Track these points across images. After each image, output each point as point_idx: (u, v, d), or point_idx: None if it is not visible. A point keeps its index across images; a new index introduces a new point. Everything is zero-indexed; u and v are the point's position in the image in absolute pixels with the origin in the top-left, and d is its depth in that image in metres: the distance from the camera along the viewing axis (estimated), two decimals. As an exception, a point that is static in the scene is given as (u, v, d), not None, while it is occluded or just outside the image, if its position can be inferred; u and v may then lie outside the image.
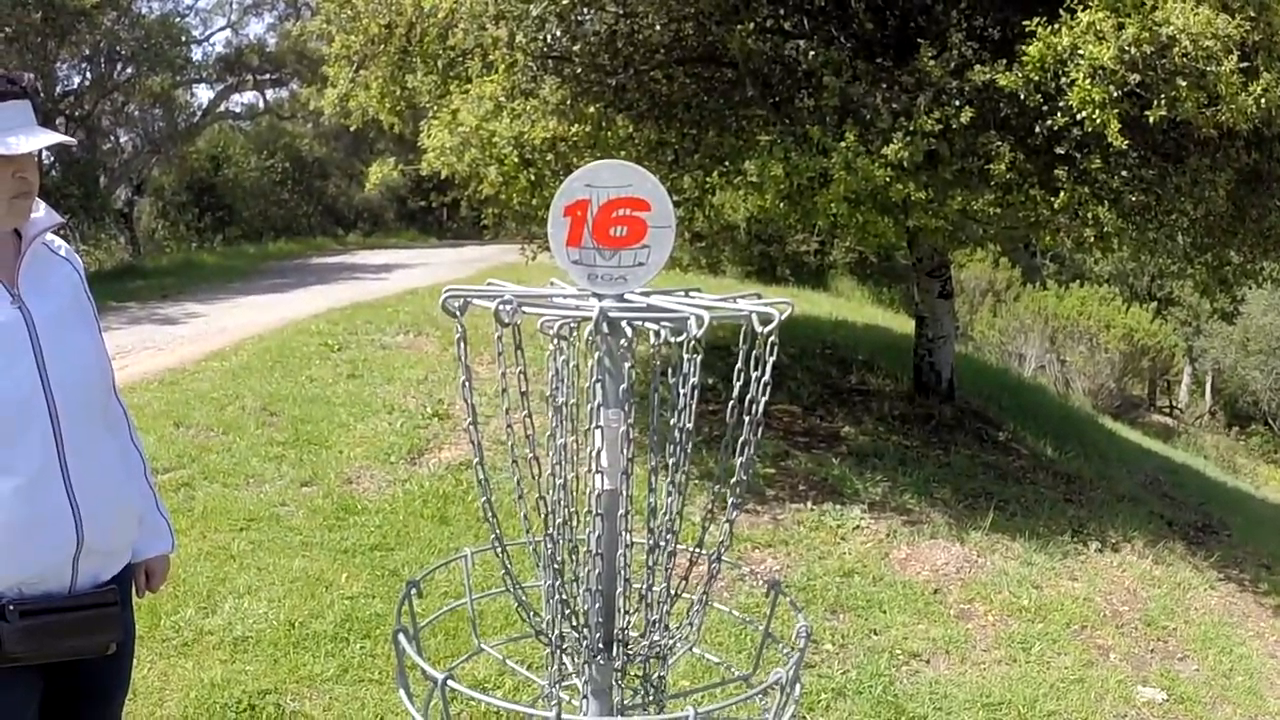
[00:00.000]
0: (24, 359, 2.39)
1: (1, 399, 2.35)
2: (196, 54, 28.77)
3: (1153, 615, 6.92)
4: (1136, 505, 9.55)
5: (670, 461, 2.23)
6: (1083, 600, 6.89)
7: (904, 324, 16.36)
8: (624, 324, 2.14)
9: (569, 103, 7.70)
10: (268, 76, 31.53)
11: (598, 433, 2.17)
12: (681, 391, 2.19)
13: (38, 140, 2.37)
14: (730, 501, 2.24)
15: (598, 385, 2.13)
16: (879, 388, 11.65)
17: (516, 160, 7.94)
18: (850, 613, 6.20)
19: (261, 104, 34.13)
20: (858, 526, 7.43)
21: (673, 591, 2.37)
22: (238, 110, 34.75)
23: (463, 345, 2.13)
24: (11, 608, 2.37)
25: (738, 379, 2.18)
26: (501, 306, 2.05)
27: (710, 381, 8.26)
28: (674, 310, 2.17)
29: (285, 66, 30.39)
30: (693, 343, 2.08)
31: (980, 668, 5.80)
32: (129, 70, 25.55)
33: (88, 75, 25.93)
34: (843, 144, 6.96)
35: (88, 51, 24.75)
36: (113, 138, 29.25)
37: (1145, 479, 11.42)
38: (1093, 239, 7.47)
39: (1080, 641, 6.34)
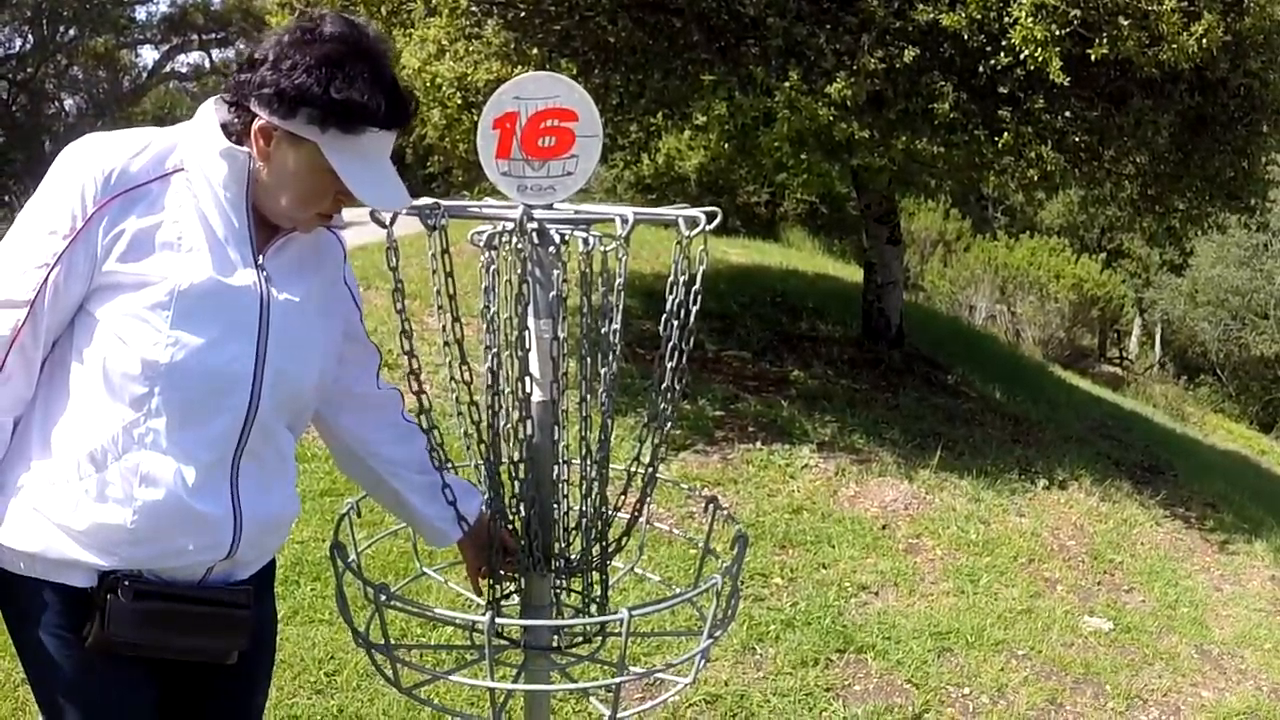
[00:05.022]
0: (246, 336, 2.05)
1: (213, 370, 2.00)
2: (140, 14, 28.61)
3: (1099, 549, 7.03)
4: (1084, 446, 9.68)
5: (602, 371, 2.23)
6: (1030, 535, 6.99)
7: (854, 274, 16.40)
8: (552, 231, 2.15)
9: (513, 45, 7.66)
10: (213, 36, 31.20)
11: (529, 341, 2.17)
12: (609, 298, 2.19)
13: (402, 199, 2.09)
14: (662, 408, 2.25)
15: (524, 289, 2.13)
16: (828, 334, 11.71)
17: (459, 103, 7.87)
18: (799, 548, 6.26)
19: (208, 64, 33.70)
20: (806, 465, 7.48)
21: (610, 504, 2.38)
22: (184, 71, 34.36)
23: (393, 254, 2.15)
24: (126, 583, 1.99)
25: (670, 292, 2.19)
26: (428, 210, 2.07)
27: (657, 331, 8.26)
28: (599, 214, 2.18)
29: (231, 25, 30.09)
30: (619, 245, 2.09)
31: (928, 599, 5.88)
32: (71, 32, 25.24)
33: (29, 38, 25.61)
34: (786, 84, 6.96)
35: (29, 13, 24.41)
36: (56, 102, 28.93)
37: (1093, 423, 11.55)
38: (1036, 179, 7.52)
39: (1027, 574, 6.44)
